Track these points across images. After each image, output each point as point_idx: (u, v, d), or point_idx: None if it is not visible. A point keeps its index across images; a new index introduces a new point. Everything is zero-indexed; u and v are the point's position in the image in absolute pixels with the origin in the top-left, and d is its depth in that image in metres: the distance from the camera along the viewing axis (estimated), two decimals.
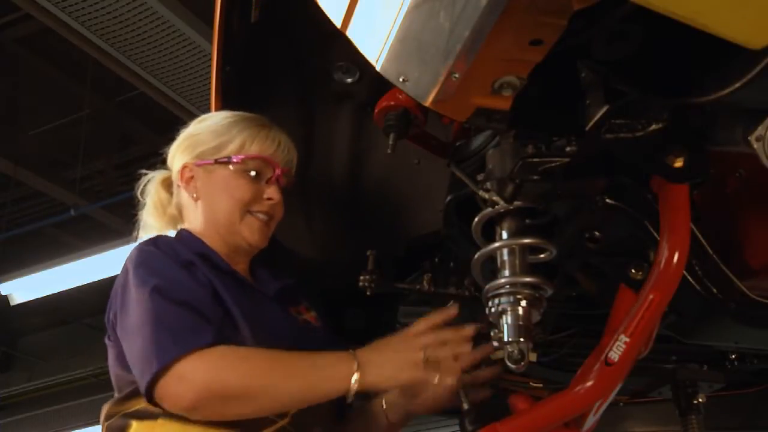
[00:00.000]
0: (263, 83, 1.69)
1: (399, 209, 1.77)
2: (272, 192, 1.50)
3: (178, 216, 1.58)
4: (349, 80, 1.63)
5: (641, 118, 1.06)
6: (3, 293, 5.70)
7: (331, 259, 1.81)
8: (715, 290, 1.26)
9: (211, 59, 1.64)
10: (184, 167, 1.53)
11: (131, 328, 1.33)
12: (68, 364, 8.14)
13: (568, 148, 1.13)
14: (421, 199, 1.71)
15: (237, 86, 1.63)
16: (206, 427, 1.30)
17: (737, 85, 0.93)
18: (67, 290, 5.73)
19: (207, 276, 1.38)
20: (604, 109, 1.04)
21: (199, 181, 1.52)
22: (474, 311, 1.56)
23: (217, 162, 1.50)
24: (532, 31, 0.89)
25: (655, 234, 1.22)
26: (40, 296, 5.85)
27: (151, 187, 1.62)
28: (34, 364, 8.48)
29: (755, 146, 0.98)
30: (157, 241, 1.45)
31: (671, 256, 1.18)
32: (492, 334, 1.24)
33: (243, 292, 1.44)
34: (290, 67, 1.67)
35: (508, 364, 1.22)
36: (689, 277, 1.25)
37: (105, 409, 1.42)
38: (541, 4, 0.85)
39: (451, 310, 1.32)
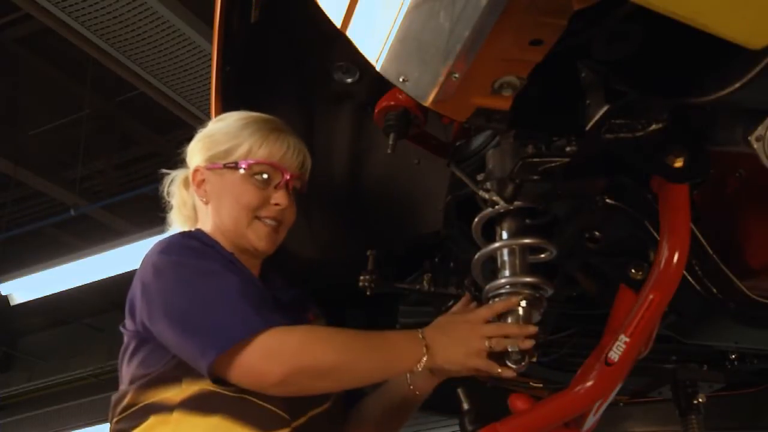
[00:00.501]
0: (263, 83, 1.69)
1: (399, 209, 1.77)
2: (280, 197, 1.48)
3: (194, 217, 1.58)
4: (349, 80, 1.63)
5: (641, 118, 1.06)
6: (3, 293, 5.70)
7: (332, 259, 1.81)
8: (715, 290, 1.26)
9: (211, 59, 1.64)
10: (195, 170, 1.53)
11: (191, 304, 1.31)
12: (68, 364, 8.14)
13: (568, 148, 1.14)
14: (421, 199, 1.71)
15: (237, 86, 1.63)
16: (221, 420, 1.29)
17: (737, 85, 0.93)
18: (67, 290, 5.73)
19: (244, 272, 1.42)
20: (604, 109, 1.04)
21: (209, 184, 1.51)
22: None
23: (225, 167, 1.49)
24: (532, 31, 0.89)
25: (655, 234, 1.22)
26: (40, 296, 5.85)
27: (174, 188, 1.61)
28: (34, 364, 8.48)
29: (755, 146, 0.98)
30: (197, 236, 1.46)
31: (671, 256, 1.18)
32: None
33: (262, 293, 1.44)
34: (290, 67, 1.67)
35: (509, 364, 1.22)
36: (689, 277, 1.25)
37: (114, 401, 1.40)
38: (541, 4, 0.85)
39: (513, 300, 1.28)
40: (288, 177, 1.49)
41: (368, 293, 1.61)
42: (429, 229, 1.68)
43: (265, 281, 1.53)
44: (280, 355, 1.26)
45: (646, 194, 1.23)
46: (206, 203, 1.52)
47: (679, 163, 1.10)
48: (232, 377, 1.27)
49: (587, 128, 1.06)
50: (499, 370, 1.29)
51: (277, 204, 1.48)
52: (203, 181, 1.52)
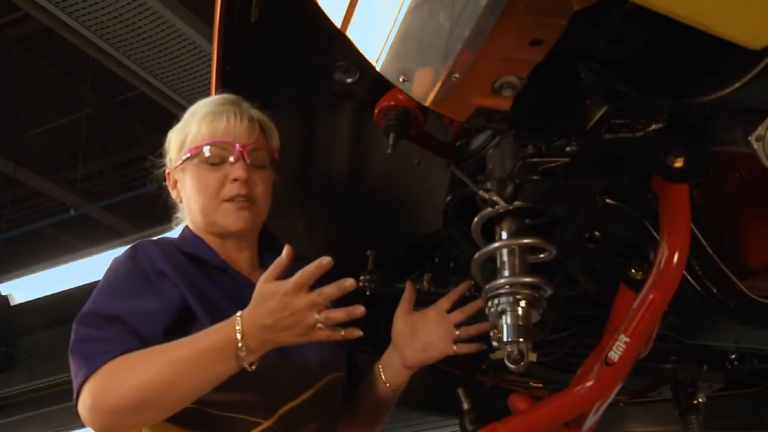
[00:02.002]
0: (263, 83, 1.69)
1: (399, 209, 1.77)
2: (236, 171, 1.42)
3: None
4: (349, 80, 1.62)
5: (641, 118, 1.06)
6: (3, 293, 5.70)
7: (332, 259, 1.81)
8: (715, 290, 1.26)
9: (211, 59, 1.64)
10: (168, 175, 1.55)
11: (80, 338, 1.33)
12: (68, 364, 8.12)
13: (568, 148, 1.13)
14: (421, 199, 1.71)
15: (237, 86, 1.63)
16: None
17: (737, 85, 0.93)
18: (67, 290, 5.73)
19: (178, 285, 1.35)
20: (604, 109, 1.04)
21: (180, 183, 1.52)
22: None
23: (183, 161, 1.49)
24: (532, 31, 0.89)
25: (655, 234, 1.22)
26: (40, 296, 5.85)
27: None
28: (34, 364, 8.47)
29: (755, 146, 0.98)
30: (135, 249, 1.42)
31: (671, 256, 1.18)
32: (492, 334, 1.25)
33: (234, 289, 1.42)
34: (290, 67, 1.67)
35: (508, 364, 1.22)
36: (689, 277, 1.25)
37: None
38: (541, 4, 0.85)
39: (324, 260, 1.22)
40: (240, 148, 1.44)
41: (368, 293, 1.61)
42: (429, 229, 1.68)
43: (262, 265, 1.53)
44: (90, 405, 1.23)
45: (646, 194, 1.23)
46: (181, 201, 1.53)
47: (679, 163, 1.09)
48: None
49: (587, 128, 1.06)
50: (343, 333, 1.24)
51: (235, 179, 1.43)
52: (175, 182, 1.53)
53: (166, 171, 1.55)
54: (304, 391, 1.40)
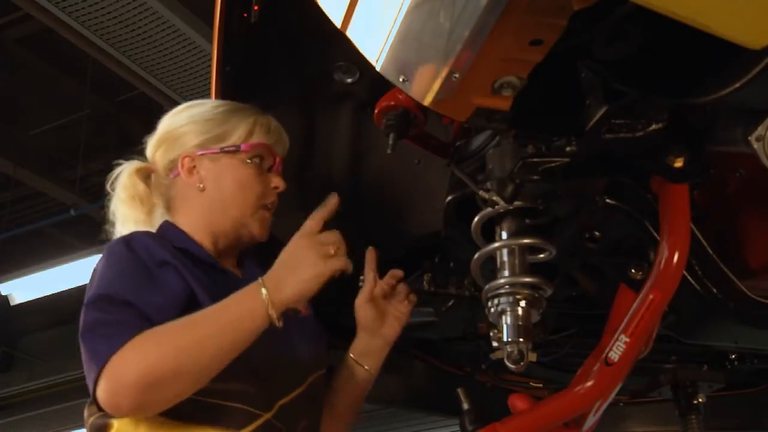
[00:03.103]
0: (263, 83, 1.69)
1: (399, 209, 1.77)
2: (278, 181, 1.50)
3: (164, 208, 1.53)
4: (349, 80, 1.63)
5: (641, 118, 1.06)
6: (3, 293, 5.71)
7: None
8: (715, 290, 1.26)
9: (211, 59, 1.64)
10: (185, 157, 1.49)
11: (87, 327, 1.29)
12: (68, 364, 8.12)
13: (568, 148, 1.13)
14: (421, 199, 1.71)
15: (237, 86, 1.63)
16: (188, 424, 1.27)
17: (737, 85, 0.93)
18: (67, 290, 5.73)
19: (182, 274, 1.34)
20: (604, 109, 1.04)
21: (204, 170, 1.48)
22: (474, 311, 1.56)
23: (223, 151, 1.47)
24: (532, 31, 0.89)
25: (655, 234, 1.22)
26: (40, 296, 5.86)
27: (125, 178, 1.55)
28: (34, 364, 8.48)
29: (755, 146, 0.98)
30: (130, 240, 1.38)
31: (671, 256, 1.18)
32: (492, 334, 1.25)
33: (227, 285, 1.40)
34: (290, 67, 1.67)
35: (508, 364, 1.22)
36: (689, 277, 1.25)
37: (85, 410, 1.37)
38: (541, 4, 0.85)
39: (332, 199, 1.35)
40: (279, 159, 1.52)
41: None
42: (429, 230, 1.68)
43: (240, 266, 1.53)
44: (118, 388, 1.19)
45: (646, 194, 1.23)
46: (202, 190, 1.47)
47: (679, 163, 1.10)
48: (110, 413, 1.25)
49: (587, 128, 1.06)
50: (340, 270, 1.31)
51: (276, 187, 1.50)
52: (194, 167, 1.49)
53: (182, 152, 1.49)
54: (297, 386, 1.40)
